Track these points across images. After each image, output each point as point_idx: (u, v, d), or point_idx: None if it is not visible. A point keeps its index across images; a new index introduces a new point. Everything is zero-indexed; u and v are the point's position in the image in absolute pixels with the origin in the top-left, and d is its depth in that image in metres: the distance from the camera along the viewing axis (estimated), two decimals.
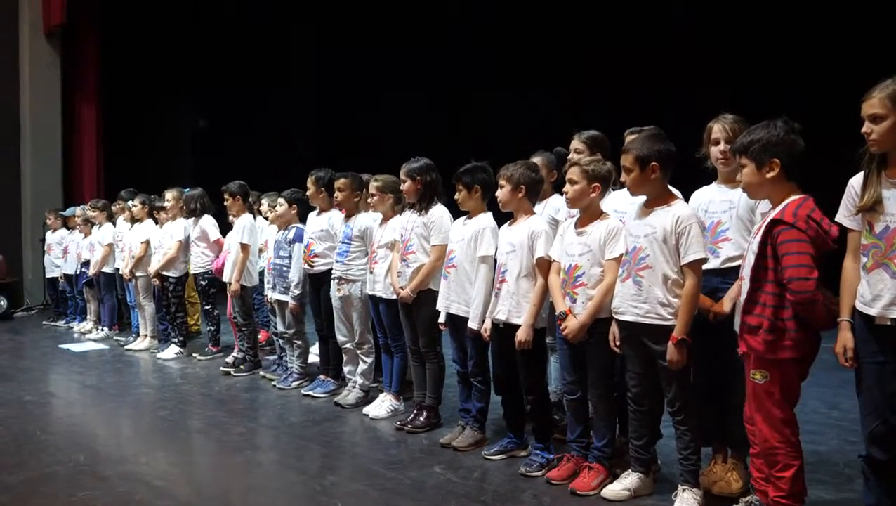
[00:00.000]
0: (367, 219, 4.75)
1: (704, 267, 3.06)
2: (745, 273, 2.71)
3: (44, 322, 9.14)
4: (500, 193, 3.64)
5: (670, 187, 3.17)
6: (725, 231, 3.15)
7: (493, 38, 10.46)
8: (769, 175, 2.63)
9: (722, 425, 3.19)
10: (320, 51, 12.85)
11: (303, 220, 5.36)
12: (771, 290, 2.58)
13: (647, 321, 3.04)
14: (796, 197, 2.61)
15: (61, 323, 8.86)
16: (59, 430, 4.59)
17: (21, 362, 6.76)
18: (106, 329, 7.88)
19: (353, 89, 12.15)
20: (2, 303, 9.56)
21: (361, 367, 4.86)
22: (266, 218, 6.12)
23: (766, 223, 2.61)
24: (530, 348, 3.53)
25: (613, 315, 3.18)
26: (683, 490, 3.08)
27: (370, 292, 4.60)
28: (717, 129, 3.15)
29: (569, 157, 3.68)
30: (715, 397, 3.18)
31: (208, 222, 6.44)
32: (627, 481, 3.23)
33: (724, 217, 3.16)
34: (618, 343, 3.18)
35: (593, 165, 3.32)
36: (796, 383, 2.66)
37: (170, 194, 6.76)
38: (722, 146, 3.13)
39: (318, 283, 5.10)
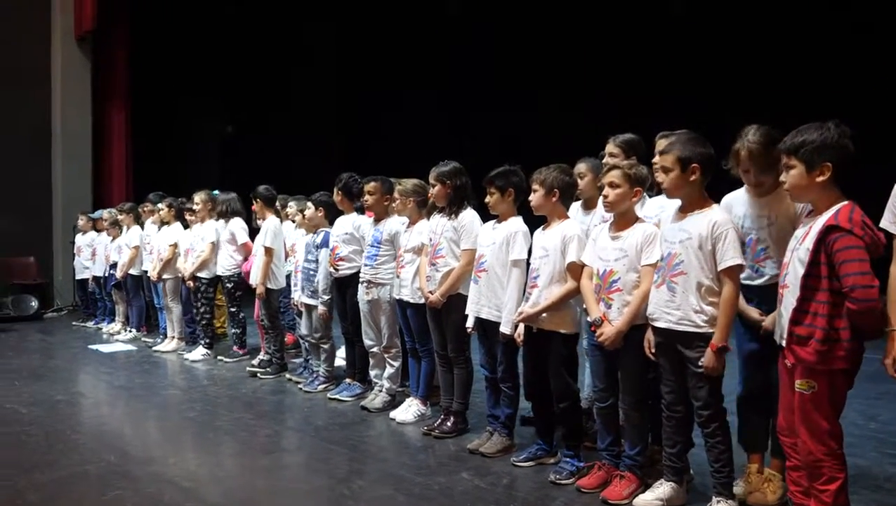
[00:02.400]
0: (396, 223, 4.73)
1: (748, 284, 3.00)
2: (790, 281, 2.63)
3: (73, 323, 9.27)
4: (534, 198, 3.61)
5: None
6: (766, 249, 3.07)
7: (524, 40, 10.45)
8: (819, 179, 2.53)
9: (764, 431, 3.13)
10: (345, 53, 12.91)
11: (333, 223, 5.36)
12: (824, 298, 2.48)
13: (680, 328, 2.99)
14: (846, 202, 2.52)
15: (90, 324, 8.96)
16: (89, 429, 4.64)
17: (52, 362, 6.85)
18: (134, 331, 7.96)
19: (378, 92, 12.20)
20: (33, 304, 9.70)
21: (388, 371, 4.84)
22: (293, 221, 6.14)
23: (818, 229, 2.51)
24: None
25: (649, 321, 3.13)
26: (718, 502, 3.02)
27: (397, 297, 4.59)
28: (744, 154, 3.04)
29: (603, 161, 3.65)
30: (761, 405, 3.12)
31: (237, 225, 6.47)
32: (660, 490, 3.17)
33: (763, 234, 3.08)
34: (653, 350, 3.13)
35: (634, 168, 3.28)
36: (844, 393, 2.57)
37: (198, 197, 6.82)
38: (753, 178, 3.05)
39: (343, 286, 5.10)
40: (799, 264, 2.56)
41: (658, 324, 3.07)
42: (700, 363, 2.94)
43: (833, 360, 2.49)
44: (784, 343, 2.62)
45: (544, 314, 3.54)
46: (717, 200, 3.19)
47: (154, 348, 7.20)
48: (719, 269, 2.93)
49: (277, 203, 6.36)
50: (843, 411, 2.62)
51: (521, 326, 3.66)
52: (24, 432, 4.43)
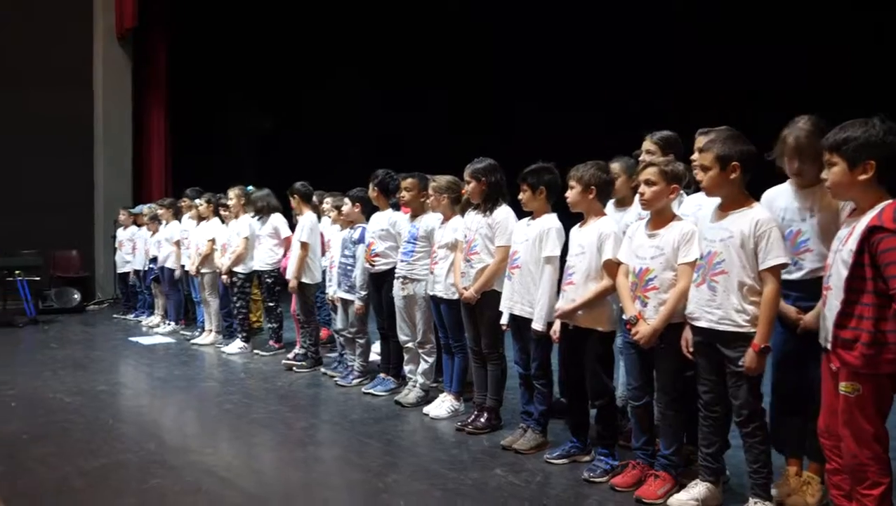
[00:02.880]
0: (432, 219, 4.75)
1: (786, 278, 2.95)
2: (833, 283, 2.57)
3: (114, 315, 9.48)
4: (570, 194, 3.60)
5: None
6: (806, 241, 3.02)
7: (557, 37, 10.41)
8: (861, 177, 2.47)
9: (801, 434, 3.08)
10: (380, 48, 12.97)
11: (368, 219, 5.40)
12: (869, 301, 2.41)
13: (721, 328, 2.96)
14: (890, 201, 2.45)
15: (130, 317, 9.16)
16: (130, 419, 4.75)
17: (94, 353, 7.02)
18: (173, 323, 8.11)
19: (413, 88, 12.25)
20: (75, 296, 9.95)
21: (423, 366, 4.87)
22: (329, 217, 6.20)
23: (861, 229, 2.44)
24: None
25: (688, 321, 3.10)
26: (755, 503, 2.98)
27: (430, 293, 4.61)
28: (791, 144, 2.99)
29: (640, 158, 3.62)
30: (795, 407, 3.07)
31: (280, 220, 6.57)
32: (695, 490, 3.14)
33: (804, 226, 3.03)
34: (691, 349, 3.11)
35: (671, 165, 3.25)
36: (890, 396, 2.50)
37: (232, 192, 6.94)
38: (797, 166, 3.01)
39: (379, 282, 5.14)
40: (842, 266, 2.50)
41: (698, 323, 3.04)
42: (741, 363, 2.91)
43: (879, 364, 2.42)
44: (829, 346, 2.57)
45: (580, 312, 3.54)
46: (756, 198, 3.15)
47: (192, 341, 7.33)
48: (762, 267, 2.88)
49: (314, 198, 6.42)
50: (888, 415, 2.57)
51: (557, 324, 3.66)
52: (67, 421, 4.56)
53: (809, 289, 2.93)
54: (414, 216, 4.88)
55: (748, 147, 2.97)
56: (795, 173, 3.03)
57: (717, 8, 8.75)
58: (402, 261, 4.84)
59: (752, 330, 2.90)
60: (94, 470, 3.68)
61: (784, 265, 2.90)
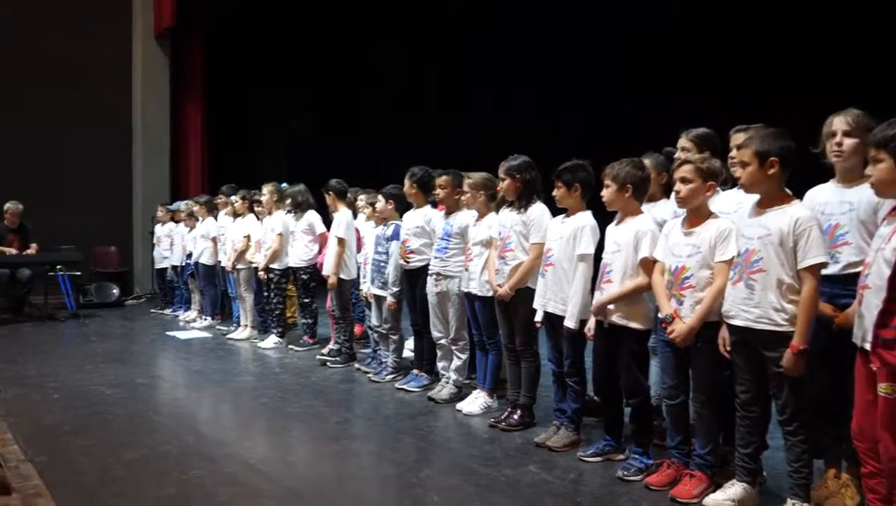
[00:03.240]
0: (466, 216, 4.76)
1: (823, 273, 2.91)
2: (873, 281, 2.53)
3: (152, 310, 9.66)
4: (606, 193, 3.57)
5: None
6: (844, 235, 2.97)
7: (593, 37, 10.38)
8: None
9: (838, 437, 3.03)
10: (411, 51, 13.01)
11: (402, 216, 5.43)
12: None
13: (759, 326, 2.93)
14: None
15: (168, 311, 9.32)
16: (169, 411, 4.84)
17: (132, 348, 7.16)
18: (209, 318, 8.24)
19: (444, 87, 12.27)
20: (114, 291, 10.17)
21: (456, 363, 4.89)
22: (364, 213, 6.24)
23: None
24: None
25: (724, 319, 3.07)
26: (794, 504, 2.94)
27: (465, 290, 4.62)
28: (838, 121, 2.96)
29: (675, 155, 3.59)
30: (830, 407, 3.02)
31: (315, 216, 6.63)
32: (731, 491, 3.11)
33: (843, 219, 2.98)
34: (728, 348, 3.07)
35: (707, 162, 3.22)
36: None
37: (266, 188, 7.02)
38: (839, 138, 2.95)
39: (413, 278, 5.17)
40: (884, 265, 2.45)
41: (735, 322, 3.01)
42: (781, 364, 2.87)
43: None
44: (868, 346, 2.53)
45: (611, 305, 3.53)
46: (798, 197, 3.11)
47: (228, 336, 7.44)
48: (801, 266, 2.84)
49: (349, 195, 6.48)
50: None
51: (592, 321, 3.65)
52: (109, 413, 4.66)
53: (846, 284, 2.89)
54: (448, 213, 4.90)
55: (788, 143, 2.93)
56: (851, 153, 2.95)
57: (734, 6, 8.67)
58: (435, 258, 4.87)
59: (791, 329, 2.86)
60: (134, 461, 3.75)
61: (824, 265, 2.86)
